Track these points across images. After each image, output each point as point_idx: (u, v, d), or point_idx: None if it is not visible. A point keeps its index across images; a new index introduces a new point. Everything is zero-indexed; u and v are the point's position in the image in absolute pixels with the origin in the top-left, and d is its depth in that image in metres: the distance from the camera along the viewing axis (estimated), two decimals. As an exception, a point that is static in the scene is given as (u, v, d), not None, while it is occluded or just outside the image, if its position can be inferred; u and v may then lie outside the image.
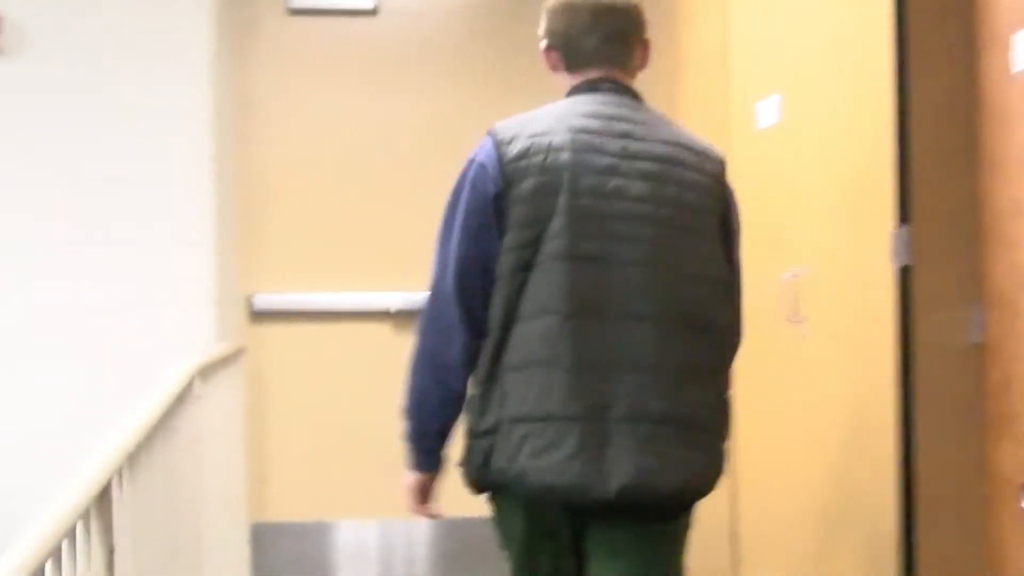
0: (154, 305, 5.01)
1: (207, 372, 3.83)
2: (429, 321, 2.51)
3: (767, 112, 3.45)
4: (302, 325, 5.40)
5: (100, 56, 5.07)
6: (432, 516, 2.66)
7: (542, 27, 2.62)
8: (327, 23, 5.52)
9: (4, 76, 5.12)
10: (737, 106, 3.75)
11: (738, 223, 2.60)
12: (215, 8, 5.02)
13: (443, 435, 2.56)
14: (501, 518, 2.50)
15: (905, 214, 2.71)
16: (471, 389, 2.48)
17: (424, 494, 2.61)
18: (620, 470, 2.33)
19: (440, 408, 2.52)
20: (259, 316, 5.37)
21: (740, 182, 3.76)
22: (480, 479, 2.46)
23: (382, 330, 5.37)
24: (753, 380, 3.63)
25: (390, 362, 4.89)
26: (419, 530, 5.40)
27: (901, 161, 2.72)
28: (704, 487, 2.43)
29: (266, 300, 5.35)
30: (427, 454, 2.58)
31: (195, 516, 3.52)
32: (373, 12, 5.51)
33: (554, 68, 2.63)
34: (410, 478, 2.61)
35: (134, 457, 2.45)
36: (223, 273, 5.06)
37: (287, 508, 5.41)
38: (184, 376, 3.34)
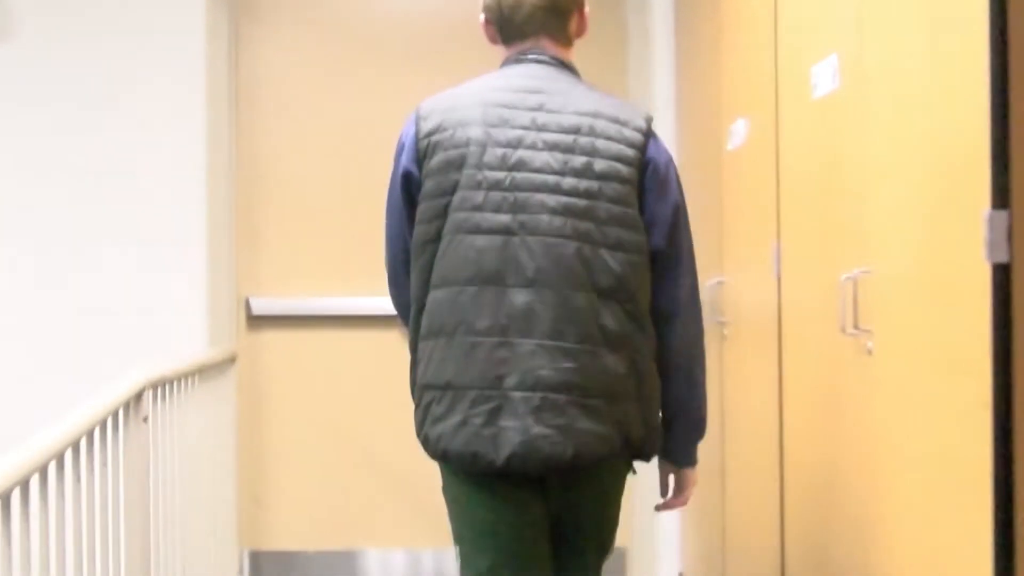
0: (142, 306, 4.54)
1: (168, 385, 3.28)
2: (389, 285, 2.70)
3: (824, 77, 2.86)
4: (304, 330, 4.87)
5: (88, 43, 4.69)
6: None
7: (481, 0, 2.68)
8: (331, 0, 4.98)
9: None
10: (788, 71, 3.17)
11: (671, 187, 2.61)
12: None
13: None
14: (445, 484, 2.60)
15: (1004, 197, 2.09)
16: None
17: None
18: (510, 438, 2.43)
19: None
20: (257, 321, 4.84)
21: (791, 162, 3.22)
22: (423, 446, 2.57)
23: (389, 336, 4.82)
24: (803, 404, 3.04)
25: (398, 370, 4.40)
26: (428, 560, 4.85)
27: (999, 132, 2.09)
28: (595, 454, 2.47)
29: (265, 304, 4.83)
30: None
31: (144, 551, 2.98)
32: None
33: (492, 40, 2.72)
34: None
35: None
36: (217, 273, 4.55)
37: (288, 535, 4.88)
38: (121, 394, 2.80)
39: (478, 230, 2.49)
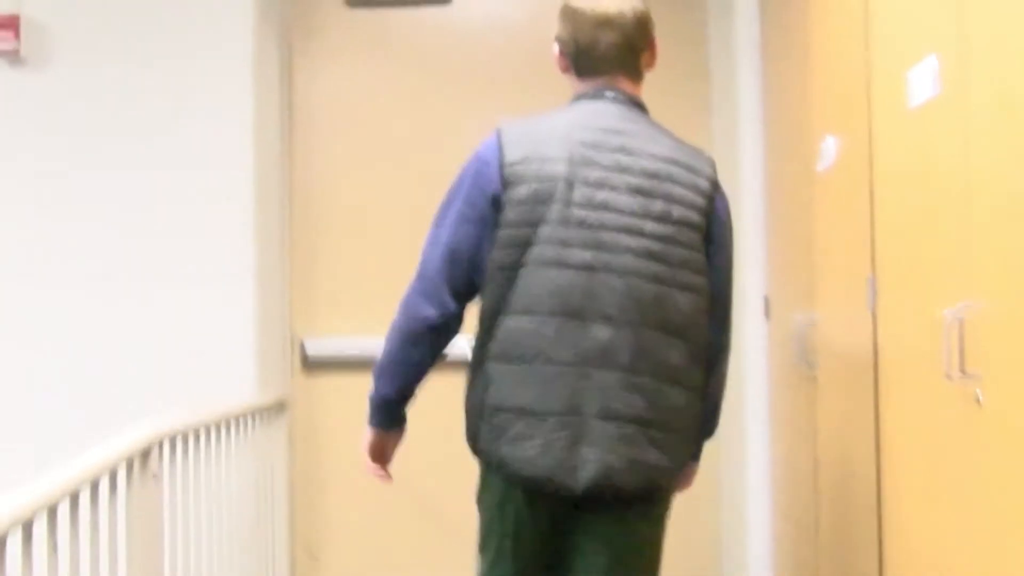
0: (188, 348, 4.25)
1: (190, 436, 2.97)
2: (412, 293, 2.69)
3: (922, 82, 2.46)
4: (362, 374, 4.53)
5: (131, 71, 4.41)
6: (382, 477, 2.86)
7: (556, 30, 2.79)
8: (392, 16, 4.68)
9: (23, 87, 4.45)
10: (881, 78, 2.77)
11: (729, 236, 2.76)
12: (260, 10, 4.26)
13: (401, 399, 2.77)
14: (488, 491, 2.71)
15: None
16: (468, 372, 2.67)
17: (378, 453, 2.84)
18: (589, 467, 2.55)
19: (401, 372, 2.72)
20: (313, 364, 4.52)
21: (886, 181, 2.81)
22: (472, 449, 2.68)
23: (452, 380, 4.47)
24: (903, 460, 2.63)
25: (461, 416, 4.03)
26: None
27: None
28: (668, 485, 2.69)
29: (321, 345, 4.51)
30: (385, 414, 2.79)
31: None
32: (446, 0, 4.64)
33: (564, 70, 2.81)
34: (368, 435, 2.82)
35: None
36: (267, 314, 4.26)
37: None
38: (121, 450, 2.48)
39: (563, 265, 2.59)
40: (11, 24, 4.42)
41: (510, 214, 2.60)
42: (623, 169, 2.64)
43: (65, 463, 2.30)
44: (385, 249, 4.58)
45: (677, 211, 2.64)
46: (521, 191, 2.60)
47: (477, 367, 2.65)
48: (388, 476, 2.87)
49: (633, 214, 2.62)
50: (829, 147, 3.28)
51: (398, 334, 2.71)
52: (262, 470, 3.80)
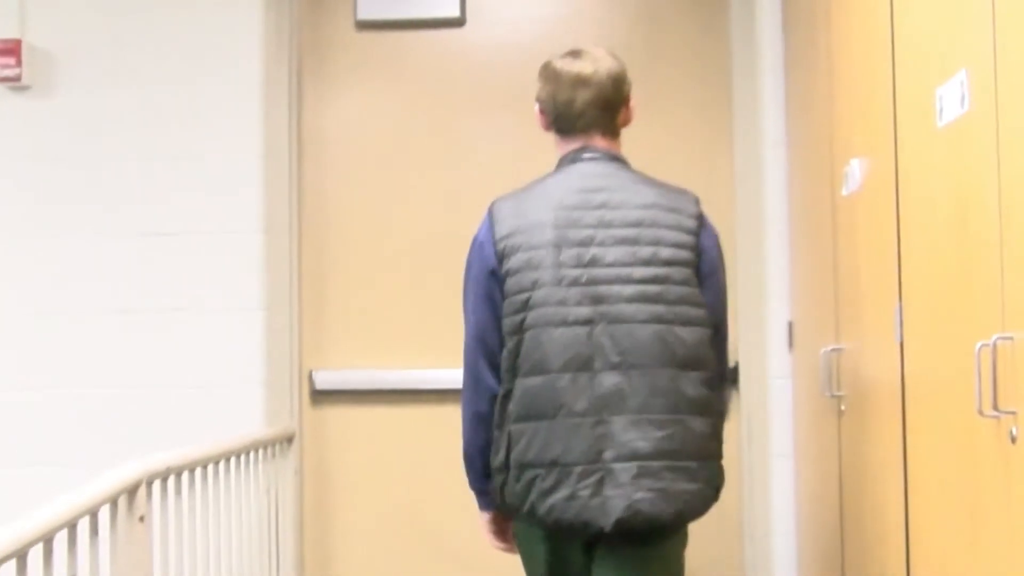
0: (194, 380, 4.16)
1: (183, 474, 2.84)
2: (465, 390, 2.90)
3: (952, 99, 2.32)
4: (372, 406, 4.41)
5: (137, 91, 4.31)
6: (505, 549, 3.05)
7: (537, 90, 3.00)
8: (403, 38, 4.57)
9: (27, 113, 4.36)
10: (908, 95, 2.63)
11: (719, 265, 2.95)
12: (269, 32, 4.16)
13: (488, 479, 2.90)
14: (520, 539, 2.95)
15: None
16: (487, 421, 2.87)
17: (499, 531, 3.03)
18: (617, 505, 2.73)
19: (479, 458, 2.89)
20: (321, 396, 4.39)
21: (914, 205, 2.65)
22: (501, 505, 2.89)
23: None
24: (932, 499, 2.47)
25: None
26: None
27: None
28: (695, 511, 2.82)
29: (329, 377, 4.37)
30: (483, 495, 2.96)
31: None
32: (460, 22, 4.52)
33: (546, 128, 3.02)
34: (482, 518, 3.03)
35: None
36: (276, 345, 4.14)
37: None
38: (106, 490, 2.35)
39: (564, 323, 2.77)
40: (13, 50, 4.32)
41: (509, 283, 2.82)
42: (607, 224, 2.83)
43: (41, 506, 2.17)
44: (397, 278, 4.46)
45: (666, 252, 2.83)
46: (515, 261, 2.82)
47: (500, 428, 2.83)
48: (513, 549, 3.01)
49: (623, 264, 2.81)
50: (854, 170, 3.14)
51: (466, 426, 2.91)
52: (268, 506, 3.66)
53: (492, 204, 2.92)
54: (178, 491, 2.81)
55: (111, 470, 2.46)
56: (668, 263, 2.82)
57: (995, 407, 2.08)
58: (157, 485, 2.65)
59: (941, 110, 2.37)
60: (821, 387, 3.52)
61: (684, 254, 2.85)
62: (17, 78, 4.33)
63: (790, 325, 4.19)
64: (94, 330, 4.32)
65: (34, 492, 3.61)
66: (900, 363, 2.72)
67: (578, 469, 2.74)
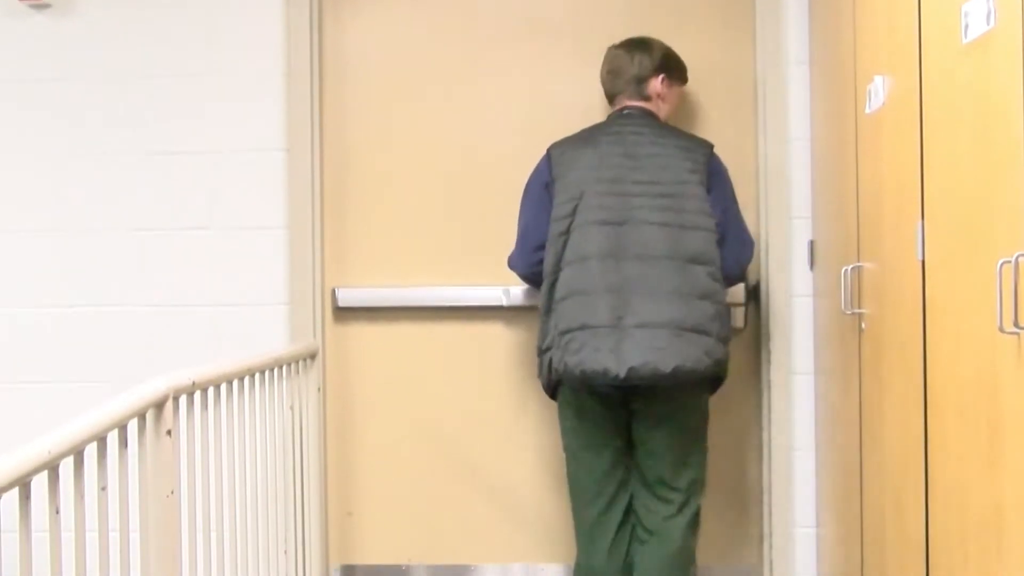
0: (217, 299, 4.19)
1: (209, 390, 2.87)
2: (516, 260, 3.95)
3: (977, 15, 2.30)
4: (396, 323, 4.43)
5: (158, 9, 4.27)
6: None
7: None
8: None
9: (50, 33, 4.36)
10: (933, 10, 2.61)
11: (725, 182, 3.90)
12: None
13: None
14: (561, 402, 3.84)
15: None
16: (539, 319, 3.81)
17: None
18: (630, 358, 3.56)
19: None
20: (344, 313, 4.41)
21: (937, 123, 2.60)
22: (547, 381, 3.79)
23: (490, 329, 4.38)
24: (952, 416, 2.49)
25: (499, 365, 3.92)
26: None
27: None
28: (691, 370, 3.61)
29: (353, 295, 4.39)
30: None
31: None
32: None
33: (606, 96, 4.07)
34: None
35: None
36: (299, 263, 4.16)
37: (383, 548, 4.46)
38: (133, 405, 2.38)
39: (601, 223, 3.70)
40: (35, -31, 4.31)
41: (559, 195, 3.78)
42: (635, 157, 3.77)
43: (72, 419, 2.21)
44: (418, 196, 4.45)
45: (681, 175, 3.75)
46: (568, 178, 3.78)
47: (547, 312, 3.73)
48: None
49: (645, 184, 3.73)
50: (877, 87, 3.12)
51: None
52: (292, 421, 3.70)
53: (550, 147, 3.91)
54: (204, 406, 2.84)
55: (139, 385, 2.49)
56: (682, 183, 3.74)
57: (1016, 324, 2.08)
58: (184, 400, 2.68)
59: (967, 27, 2.36)
60: (842, 305, 3.52)
61: (694, 177, 3.75)
62: (41, -4, 4.33)
63: (811, 244, 4.19)
64: (121, 248, 4.35)
65: (62, 407, 3.66)
66: (921, 281, 2.73)
67: (603, 331, 3.57)
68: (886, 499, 3.14)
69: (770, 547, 4.28)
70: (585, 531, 3.81)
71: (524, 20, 4.44)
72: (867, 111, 3.26)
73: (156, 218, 4.34)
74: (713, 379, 3.79)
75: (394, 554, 4.43)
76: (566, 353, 3.60)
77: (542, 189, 3.82)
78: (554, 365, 3.65)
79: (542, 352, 3.72)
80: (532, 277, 3.88)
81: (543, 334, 3.71)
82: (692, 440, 3.78)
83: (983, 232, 2.29)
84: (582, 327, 3.58)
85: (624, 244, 3.64)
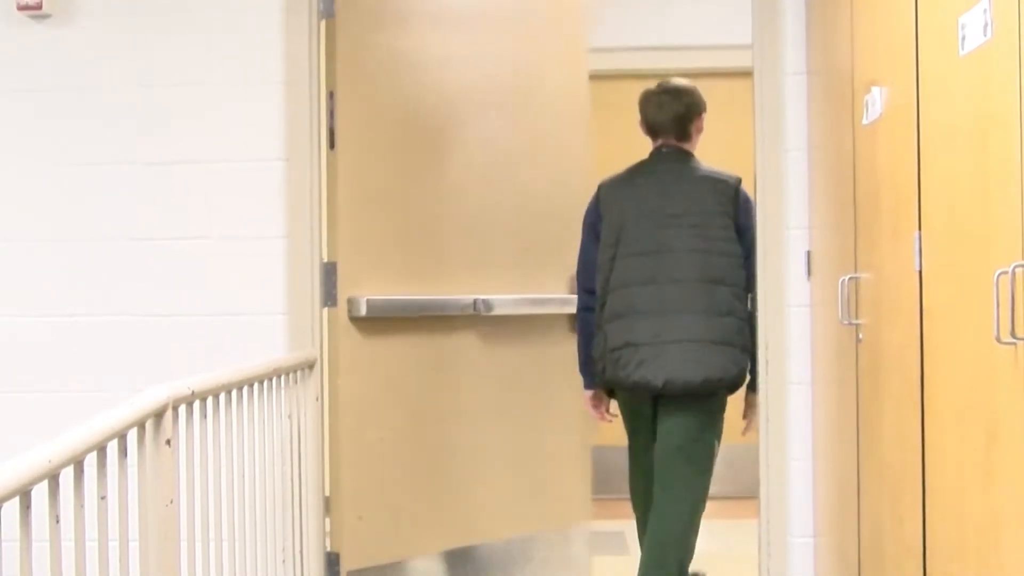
0: (216, 308, 4.18)
1: (208, 399, 2.88)
2: (577, 289, 4.50)
3: (974, 27, 2.32)
4: (405, 331, 4.42)
5: (157, 18, 4.26)
6: (596, 417, 4.60)
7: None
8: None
9: (48, 43, 4.36)
10: (930, 24, 2.62)
11: (751, 222, 4.27)
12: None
13: (587, 360, 4.43)
14: (619, 402, 4.48)
15: None
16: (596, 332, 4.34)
17: (593, 403, 4.56)
18: (666, 370, 4.14)
19: (585, 341, 4.46)
20: (344, 323, 4.40)
21: (934, 134, 2.63)
22: (604, 383, 4.35)
23: (497, 336, 4.38)
24: (949, 426, 2.50)
25: (503, 370, 3.98)
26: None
27: None
28: (719, 379, 4.18)
29: (353, 305, 4.38)
30: (587, 376, 4.48)
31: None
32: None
33: (645, 133, 4.49)
34: (585, 395, 4.57)
35: None
36: (298, 271, 4.16)
37: (381, 556, 4.45)
38: (132, 415, 2.39)
39: (640, 254, 4.24)
40: (34, -23, 4.32)
41: (606, 230, 4.32)
42: (668, 194, 4.28)
43: (72, 428, 2.22)
44: (420, 207, 4.45)
45: (710, 208, 4.24)
46: (611, 216, 4.32)
47: (600, 329, 4.28)
48: (603, 416, 4.58)
49: (679, 216, 4.24)
50: (875, 98, 3.14)
51: (578, 320, 4.51)
52: (291, 430, 3.70)
53: (599, 185, 4.43)
54: (203, 415, 2.84)
55: (138, 394, 2.50)
56: (711, 214, 4.24)
57: (1013, 334, 2.10)
58: (183, 409, 2.68)
59: (963, 38, 2.37)
60: (840, 315, 3.54)
61: (721, 209, 4.25)
62: (38, 6, 4.32)
63: (808, 254, 4.20)
64: (121, 258, 4.34)
65: (62, 416, 3.66)
66: (919, 291, 2.74)
67: (644, 348, 4.14)
68: (884, 509, 3.14)
69: (768, 556, 4.29)
70: (642, 514, 4.45)
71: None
72: (864, 122, 3.27)
73: (155, 227, 4.33)
74: (731, 383, 4.28)
75: (403, 554, 4.43)
76: (616, 368, 4.20)
77: (594, 222, 4.40)
78: (607, 376, 4.26)
79: (596, 360, 4.31)
80: (589, 290, 4.45)
81: (597, 346, 4.30)
82: (708, 422, 4.28)
83: (980, 243, 2.30)
84: (626, 345, 4.17)
85: (660, 270, 4.18)
